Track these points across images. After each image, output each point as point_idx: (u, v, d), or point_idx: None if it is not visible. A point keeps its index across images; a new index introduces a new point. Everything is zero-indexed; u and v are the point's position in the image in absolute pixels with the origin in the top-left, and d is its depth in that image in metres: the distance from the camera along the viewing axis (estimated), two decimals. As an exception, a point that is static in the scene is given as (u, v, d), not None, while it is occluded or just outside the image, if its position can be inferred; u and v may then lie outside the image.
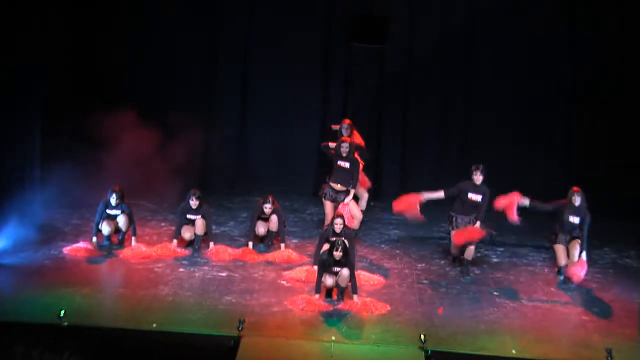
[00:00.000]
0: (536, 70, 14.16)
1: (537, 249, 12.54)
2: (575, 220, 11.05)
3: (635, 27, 13.69)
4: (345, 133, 12.39)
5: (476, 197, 11.20)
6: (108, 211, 11.69)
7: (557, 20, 14.12)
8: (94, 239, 11.66)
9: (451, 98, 14.49)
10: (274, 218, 11.89)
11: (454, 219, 11.30)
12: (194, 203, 11.68)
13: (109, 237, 11.75)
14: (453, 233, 11.34)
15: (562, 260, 11.21)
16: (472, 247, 11.31)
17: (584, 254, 11.05)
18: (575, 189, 11.09)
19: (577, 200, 11.03)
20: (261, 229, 11.98)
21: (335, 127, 12.73)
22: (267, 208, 11.87)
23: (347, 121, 12.58)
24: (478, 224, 11.23)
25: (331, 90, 14.59)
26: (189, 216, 11.77)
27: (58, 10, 12.86)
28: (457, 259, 11.58)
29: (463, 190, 11.26)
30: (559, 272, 11.39)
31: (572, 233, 11.10)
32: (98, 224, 11.66)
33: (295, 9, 14.26)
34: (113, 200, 11.62)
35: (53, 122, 12.85)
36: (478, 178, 11.19)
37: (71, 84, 13.60)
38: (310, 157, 14.39)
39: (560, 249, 11.21)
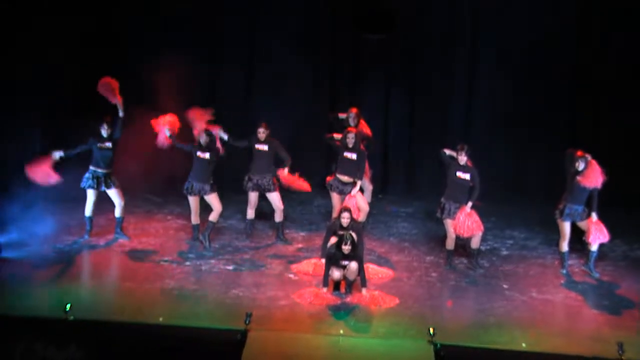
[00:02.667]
0: (541, 63, 14.12)
1: (547, 241, 12.46)
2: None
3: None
4: (352, 122, 12.29)
5: (464, 176, 11.11)
6: (99, 145, 11.49)
7: (562, 12, 14.05)
8: (57, 154, 11.37)
9: (457, 89, 14.45)
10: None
11: (444, 205, 11.21)
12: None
13: (90, 219, 11.73)
14: (450, 223, 11.20)
15: (564, 244, 11.18)
16: (479, 234, 11.21)
17: (594, 215, 11.05)
18: (579, 153, 10.99)
19: (581, 165, 10.95)
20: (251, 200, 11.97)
21: (342, 115, 12.62)
22: (260, 132, 11.77)
23: (354, 110, 12.45)
24: (469, 204, 11.12)
25: (339, 81, 14.57)
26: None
27: (60, 11, 12.83)
28: (451, 255, 11.43)
29: (452, 166, 11.18)
30: (562, 261, 11.32)
31: (580, 199, 11.01)
32: (78, 152, 11.47)
33: (302, 2, 14.22)
34: (104, 131, 11.48)
35: (55, 116, 12.83)
36: (462, 158, 11.12)
37: (72, 82, 13.53)
38: (317, 148, 14.31)
39: (565, 226, 11.14)
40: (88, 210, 11.73)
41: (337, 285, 10.32)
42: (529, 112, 14.19)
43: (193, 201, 11.67)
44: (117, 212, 11.80)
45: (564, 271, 11.31)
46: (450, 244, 11.32)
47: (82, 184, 11.59)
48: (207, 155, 11.50)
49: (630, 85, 13.79)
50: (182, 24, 13.99)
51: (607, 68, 13.87)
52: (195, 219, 11.80)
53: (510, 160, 14.28)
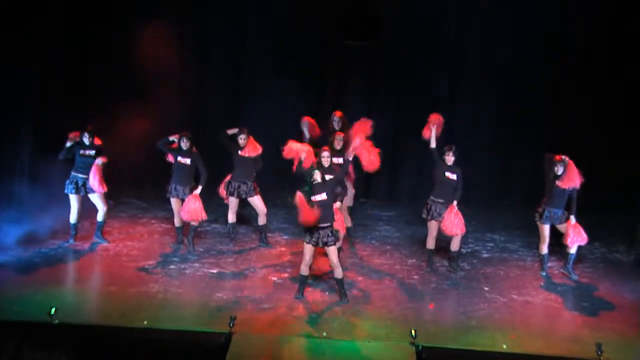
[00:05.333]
0: (525, 67, 14.18)
1: (527, 244, 12.57)
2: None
3: (630, 26, 13.74)
4: (336, 126, 12.33)
5: (452, 176, 11.22)
6: (82, 152, 11.52)
7: (549, 17, 14.18)
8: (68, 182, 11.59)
9: (440, 95, 14.51)
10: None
11: (431, 206, 11.29)
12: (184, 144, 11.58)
13: (75, 226, 11.74)
14: (434, 224, 11.28)
15: (544, 247, 11.33)
16: (459, 236, 11.32)
17: (573, 217, 11.18)
18: (558, 157, 11.12)
19: (560, 169, 11.09)
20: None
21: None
22: (242, 139, 11.77)
23: (338, 114, 12.48)
24: (455, 203, 11.21)
25: (322, 88, 14.64)
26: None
27: (49, 10, 12.84)
28: (432, 256, 11.52)
29: (441, 167, 11.27)
30: (542, 263, 11.46)
31: (559, 203, 11.13)
32: (65, 156, 11.55)
33: (288, 7, 14.27)
34: (86, 139, 11.51)
35: (44, 120, 12.85)
36: (450, 159, 11.23)
37: (62, 82, 13.53)
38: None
39: (544, 229, 11.27)
40: (72, 216, 11.75)
41: (301, 289, 10.33)
42: (510, 117, 14.29)
43: (176, 204, 11.74)
44: (99, 217, 11.83)
45: (544, 273, 11.45)
46: (430, 243, 11.42)
47: (65, 190, 11.66)
48: (187, 161, 11.58)
49: (610, 91, 13.91)
50: (170, 25, 13.98)
51: (589, 74, 13.97)
52: (178, 221, 11.87)
53: (491, 165, 14.37)
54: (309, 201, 10.06)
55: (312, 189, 10.12)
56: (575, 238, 11.18)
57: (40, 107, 12.89)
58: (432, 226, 11.33)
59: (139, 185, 13.75)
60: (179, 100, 13.98)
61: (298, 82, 14.41)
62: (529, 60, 14.17)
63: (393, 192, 14.80)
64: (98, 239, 11.85)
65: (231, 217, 12.16)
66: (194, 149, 11.66)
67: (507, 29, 14.14)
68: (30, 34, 12.30)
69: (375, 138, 14.47)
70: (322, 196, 10.11)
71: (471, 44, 14.34)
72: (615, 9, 13.74)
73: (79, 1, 13.62)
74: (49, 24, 12.79)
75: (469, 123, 14.42)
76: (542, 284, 11.20)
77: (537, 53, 14.17)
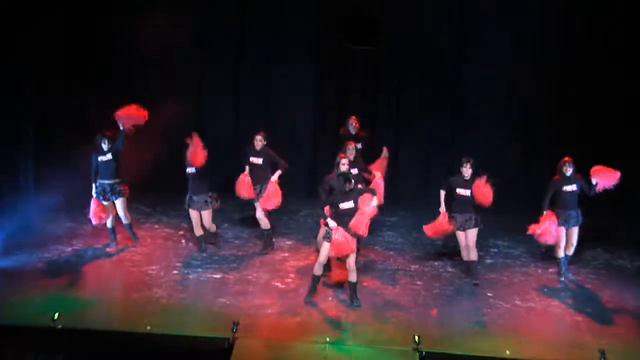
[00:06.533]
0: (525, 68, 14.21)
1: (530, 250, 12.55)
2: (572, 188, 11.05)
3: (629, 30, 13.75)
4: (352, 131, 12.26)
5: (465, 192, 11.07)
6: (100, 158, 11.51)
7: (548, 18, 14.19)
8: (94, 189, 11.54)
9: (443, 101, 14.53)
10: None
11: (456, 218, 11.18)
12: None
13: (114, 229, 11.80)
14: (460, 235, 11.20)
15: (560, 251, 11.22)
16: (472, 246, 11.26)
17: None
18: (566, 159, 11.06)
19: (569, 170, 11.02)
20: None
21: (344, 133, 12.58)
22: (257, 140, 11.61)
23: (354, 121, 12.43)
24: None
25: (325, 92, 14.64)
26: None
27: (48, 12, 12.87)
28: (475, 266, 11.42)
29: (452, 187, 11.18)
30: (559, 267, 11.39)
31: (570, 207, 11.07)
32: (96, 173, 11.53)
33: (288, 10, 14.29)
34: (104, 145, 11.49)
35: (46, 125, 12.87)
36: (467, 171, 11.08)
37: (63, 84, 13.55)
38: (303, 157, 14.42)
39: (560, 232, 11.16)
40: (108, 221, 11.76)
41: (312, 291, 10.32)
42: (512, 124, 14.29)
43: (193, 214, 11.69)
44: (123, 219, 11.86)
45: (562, 278, 11.38)
46: (465, 254, 11.32)
47: (96, 197, 11.61)
48: (193, 170, 11.55)
49: (610, 91, 13.89)
50: (171, 27, 14.00)
51: (589, 75, 13.97)
52: (198, 231, 11.79)
53: (494, 171, 14.33)
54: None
55: (339, 198, 10.14)
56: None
57: (41, 108, 12.89)
58: (459, 237, 11.23)
59: (141, 190, 13.71)
60: (179, 100, 13.96)
61: (299, 83, 14.44)
62: (529, 61, 14.20)
63: (396, 197, 14.77)
64: (132, 237, 12.00)
65: (265, 224, 11.98)
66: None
67: (507, 29, 14.14)
68: (30, 33, 12.31)
69: (379, 142, 14.65)
70: (350, 204, 10.12)
71: (471, 44, 14.34)
72: (615, 9, 13.75)
73: (78, 1, 13.66)
74: (48, 24, 12.81)
75: (469, 124, 14.43)
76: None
77: (536, 53, 14.19)
